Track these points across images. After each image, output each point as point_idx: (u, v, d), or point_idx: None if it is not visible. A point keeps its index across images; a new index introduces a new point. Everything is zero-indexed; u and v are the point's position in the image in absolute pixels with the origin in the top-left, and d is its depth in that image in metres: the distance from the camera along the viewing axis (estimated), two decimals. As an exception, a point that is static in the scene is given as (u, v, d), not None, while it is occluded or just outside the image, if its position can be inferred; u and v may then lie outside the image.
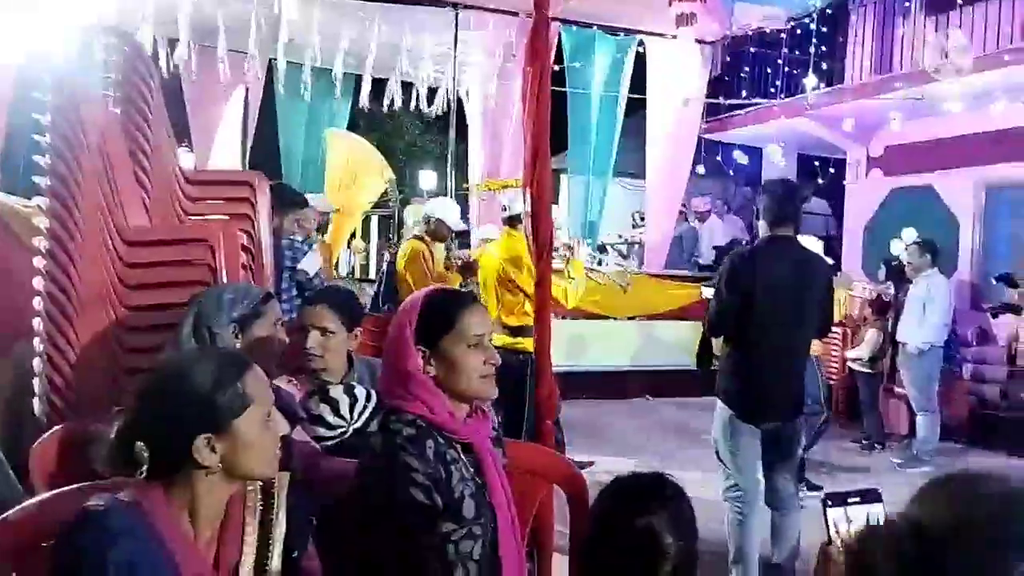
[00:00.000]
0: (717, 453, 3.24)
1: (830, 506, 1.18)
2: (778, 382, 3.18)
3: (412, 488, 1.49)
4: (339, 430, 2.03)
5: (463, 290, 1.66)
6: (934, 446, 5.68)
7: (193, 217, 2.72)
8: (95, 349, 2.21)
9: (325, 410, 2.06)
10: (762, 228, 3.27)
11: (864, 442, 6.23)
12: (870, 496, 1.19)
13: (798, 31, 8.37)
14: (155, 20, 6.74)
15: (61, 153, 2.18)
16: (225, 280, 2.30)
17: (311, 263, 4.13)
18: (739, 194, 10.95)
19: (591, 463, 4.62)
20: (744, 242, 8.71)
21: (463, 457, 1.61)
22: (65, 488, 1.53)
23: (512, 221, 4.33)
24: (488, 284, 4.39)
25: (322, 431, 2.03)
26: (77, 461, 1.84)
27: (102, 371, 2.22)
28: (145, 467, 1.22)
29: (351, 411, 2.10)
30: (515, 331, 4.22)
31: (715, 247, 9.28)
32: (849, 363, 6.45)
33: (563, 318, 6.58)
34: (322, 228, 5.76)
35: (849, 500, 1.18)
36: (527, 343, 3.96)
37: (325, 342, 2.22)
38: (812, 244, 5.16)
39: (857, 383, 6.38)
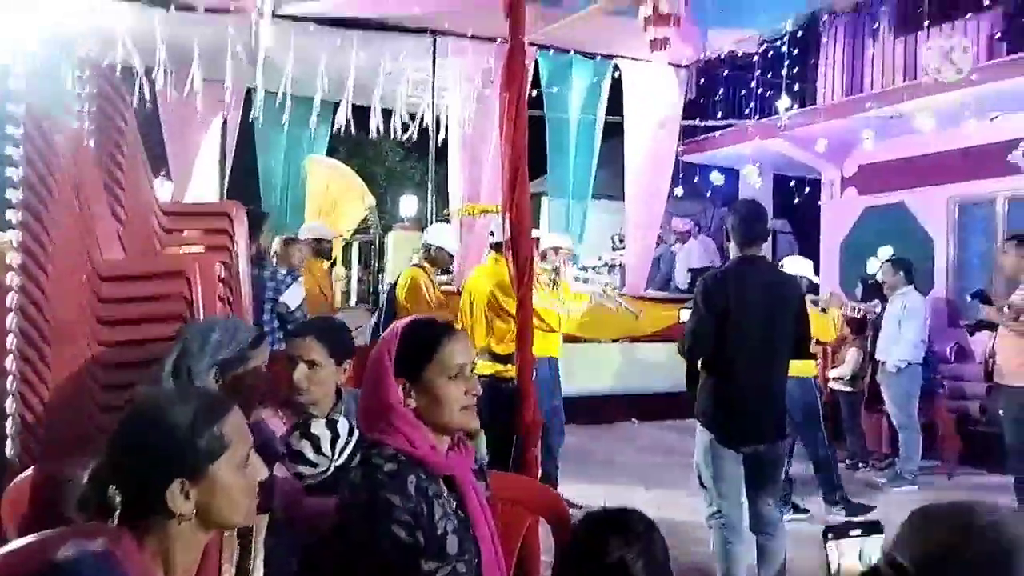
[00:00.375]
0: (700, 479, 3.21)
1: (831, 538, 1.16)
2: (757, 404, 3.16)
3: (394, 525, 1.46)
4: (320, 468, 1.99)
5: (442, 320, 1.65)
6: (917, 464, 5.71)
7: (170, 249, 2.70)
8: (69, 387, 2.17)
9: (306, 447, 2.01)
10: (732, 249, 3.28)
11: (847, 461, 6.25)
12: (871, 528, 1.18)
13: (770, 53, 8.52)
14: (131, 47, 6.72)
15: (33, 186, 2.15)
16: (201, 314, 2.27)
17: (293, 296, 4.11)
18: (716, 215, 11.06)
19: (580, 506, 4.59)
20: (717, 263, 8.77)
21: (446, 491, 1.58)
22: (35, 535, 1.48)
23: (499, 247, 4.33)
24: (477, 311, 4.36)
25: (303, 469, 1.98)
26: (50, 505, 1.79)
27: (77, 410, 2.18)
28: (117, 512, 1.18)
29: (332, 447, 2.05)
30: (505, 359, 4.18)
31: (690, 269, 9.34)
32: (830, 382, 6.48)
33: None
34: (323, 254, 5.65)
35: (851, 532, 1.17)
36: (513, 371, 3.93)
37: (312, 375, 2.18)
38: (800, 264, 5.21)
39: (839, 402, 6.41)
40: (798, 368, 4.88)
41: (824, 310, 5.19)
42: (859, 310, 5.71)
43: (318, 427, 2.06)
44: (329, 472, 1.99)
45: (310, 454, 1.99)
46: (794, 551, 3.25)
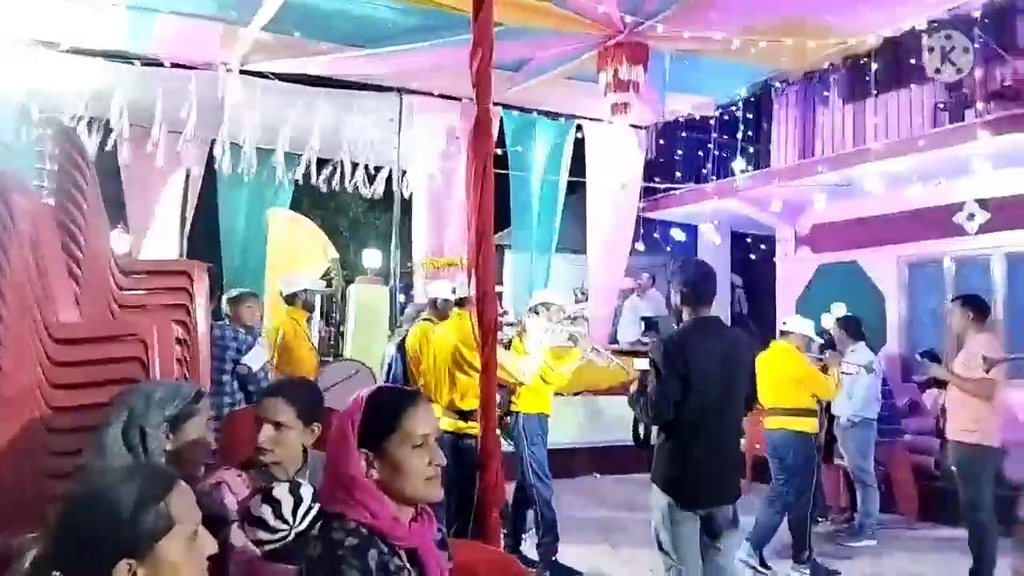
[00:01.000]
0: (659, 541, 3.18)
1: None
2: (718, 466, 3.16)
3: (354, 602, 1.43)
4: (280, 533, 1.94)
5: (407, 388, 1.64)
6: (875, 518, 5.77)
7: (127, 308, 2.65)
8: (19, 453, 2.09)
9: (267, 512, 1.97)
10: (685, 311, 3.27)
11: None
12: None
13: (726, 117, 8.84)
14: (91, 99, 6.68)
15: (-12, 247, 2.11)
16: (158, 376, 2.23)
17: (255, 358, 4.04)
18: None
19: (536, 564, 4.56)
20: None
21: (408, 565, 1.56)
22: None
23: (462, 303, 4.35)
24: (439, 366, 4.35)
25: (263, 535, 1.94)
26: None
27: (25, 476, 2.10)
28: None
29: (294, 513, 2.01)
30: (467, 415, 4.17)
31: (643, 318, 9.43)
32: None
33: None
34: (307, 306, 5.46)
35: None
36: (478, 427, 3.91)
37: (278, 436, 2.15)
38: (801, 323, 5.32)
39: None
40: (801, 424, 5.03)
41: (825, 368, 5.30)
42: (855, 367, 5.83)
43: (280, 491, 2.02)
44: (290, 538, 1.95)
45: (271, 520, 1.95)
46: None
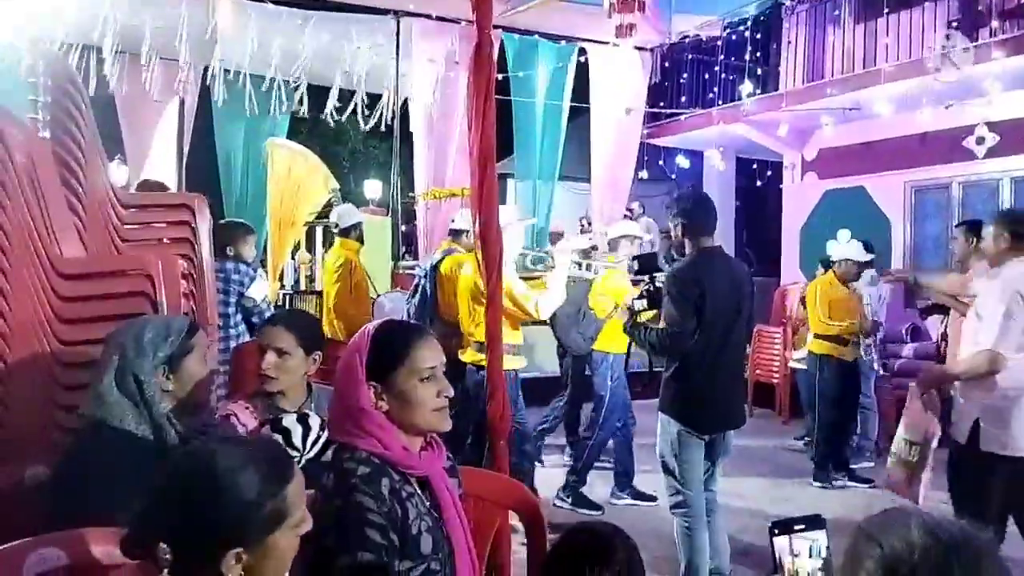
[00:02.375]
0: (664, 467, 3.27)
1: (776, 535, 1.21)
2: (728, 392, 3.25)
3: (368, 528, 1.47)
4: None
5: (413, 323, 1.64)
6: (874, 441, 5.88)
7: (130, 242, 2.64)
8: (29, 386, 2.13)
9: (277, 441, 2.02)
10: (687, 243, 3.30)
11: (807, 438, 6.41)
12: (814, 523, 1.23)
13: (733, 38, 8.59)
14: (80, 29, 6.49)
15: (-13, 183, 2.09)
16: (165, 310, 2.23)
17: (258, 290, 4.03)
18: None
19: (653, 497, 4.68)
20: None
21: (419, 490, 1.59)
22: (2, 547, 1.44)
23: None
24: (462, 300, 4.26)
25: (274, 464, 1.98)
26: (13, 512, 1.77)
27: (37, 409, 2.13)
28: (166, 570, 1.11)
29: (304, 441, 2.06)
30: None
31: (635, 257, 9.32)
32: (791, 363, 6.62)
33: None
34: (360, 239, 5.26)
35: (795, 527, 1.22)
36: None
37: (281, 363, 2.17)
38: (853, 247, 5.34)
39: (798, 383, 6.56)
40: (840, 351, 5.30)
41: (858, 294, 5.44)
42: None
43: (289, 421, 2.06)
44: (301, 465, 2.00)
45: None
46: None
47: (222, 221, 4.60)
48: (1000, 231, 3.05)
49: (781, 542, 1.20)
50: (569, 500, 4.69)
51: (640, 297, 3.49)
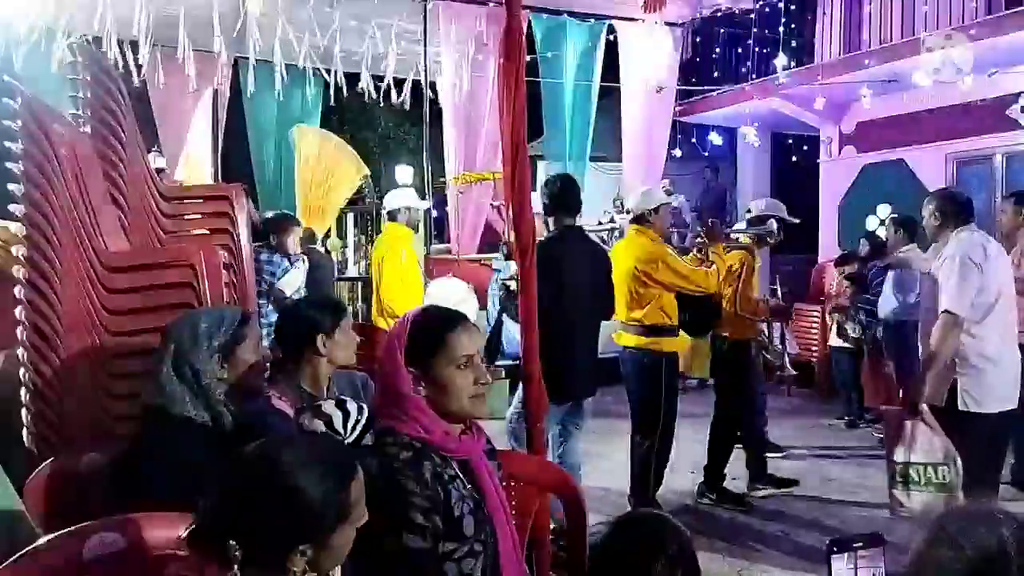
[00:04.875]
0: (512, 434, 3.54)
1: (835, 552, 1.19)
2: (584, 362, 3.55)
3: (411, 511, 1.50)
4: None
5: (452, 310, 1.65)
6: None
7: (171, 234, 2.69)
8: (81, 376, 2.20)
9: (319, 426, 2.05)
10: (550, 221, 3.63)
11: (847, 418, 6.33)
12: (873, 541, 1.21)
13: (767, 9, 8.39)
14: (115, 23, 6.59)
15: (34, 179, 2.15)
16: (209, 301, 2.28)
17: (290, 282, 4.05)
18: (719, 176, 10.94)
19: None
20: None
21: (460, 474, 1.62)
22: (66, 531, 1.50)
23: (639, 220, 4.17)
24: (619, 283, 4.10)
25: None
26: (68, 497, 1.84)
27: (89, 398, 2.21)
28: (237, 569, 1.14)
29: (344, 425, 2.10)
30: (652, 330, 4.01)
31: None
32: (830, 341, 6.52)
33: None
34: (413, 225, 5.08)
35: (854, 545, 1.20)
36: (662, 343, 4.00)
37: None
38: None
39: (837, 361, 6.46)
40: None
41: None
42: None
43: (328, 407, 2.09)
44: None
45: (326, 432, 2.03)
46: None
47: (269, 213, 4.65)
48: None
49: (840, 562, 1.18)
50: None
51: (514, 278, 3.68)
